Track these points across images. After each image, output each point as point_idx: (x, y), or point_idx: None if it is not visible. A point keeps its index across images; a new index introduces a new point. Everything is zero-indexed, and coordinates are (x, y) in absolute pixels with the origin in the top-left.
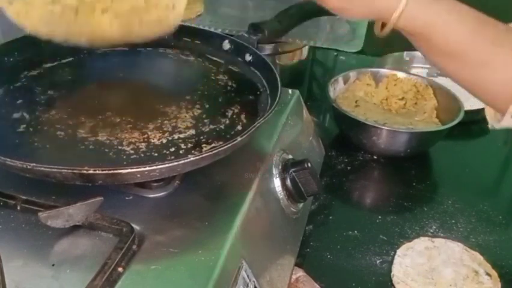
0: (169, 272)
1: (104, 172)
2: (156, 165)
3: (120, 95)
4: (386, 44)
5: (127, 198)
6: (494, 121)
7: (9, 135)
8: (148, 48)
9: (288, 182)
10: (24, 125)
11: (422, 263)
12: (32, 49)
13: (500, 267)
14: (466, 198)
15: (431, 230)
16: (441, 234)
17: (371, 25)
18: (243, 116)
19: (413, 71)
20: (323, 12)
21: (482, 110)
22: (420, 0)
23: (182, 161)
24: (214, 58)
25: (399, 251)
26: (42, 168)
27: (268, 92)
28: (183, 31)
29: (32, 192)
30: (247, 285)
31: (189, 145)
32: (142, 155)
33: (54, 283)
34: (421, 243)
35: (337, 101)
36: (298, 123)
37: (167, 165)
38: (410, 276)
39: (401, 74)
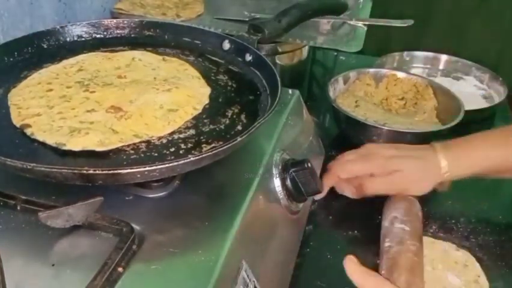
0: (169, 272)
1: (104, 172)
2: (156, 165)
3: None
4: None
5: (127, 198)
6: None
7: (9, 135)
8: (148, 48)
9: (288, 182)
10: None
11: None
12: (32, 49)
13: (500, 268)
14: (466, 198)
15: (431, 230)
16: (441, 235)
17: (371, 25)
18: (243, 116)
19: (413, 71)
20: (322, 12)
21: (482, 110)
22: (458, 156)
23: (182, 161)
24: (214, 58)
25: None
26: (42, 168)
27: (268, 92)
28: (183, 31)
29: (32, 192)
30: (247, 285)
31: (189, 145)
32: (142, 155)
33: (54, 283)
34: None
35: (337, 101)
36: (298, 123)
37: (167, 165)
38: None
39: (401, 74)
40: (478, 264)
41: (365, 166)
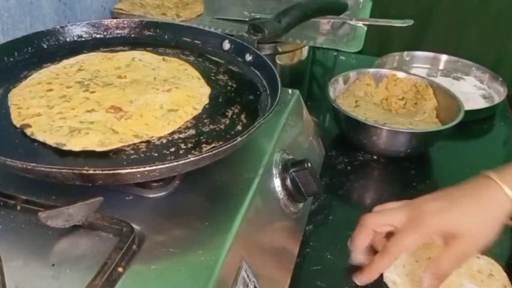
0: (169, 272)
1: (104, 172)
2: (156, 165)
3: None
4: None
5: (127, 198)
6: None
7: (9, 135)
8: (148, 48)
9: (288, 182)
10: None
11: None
12: (32, 49)
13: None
14: None
15: None
16: None
17: (371, 25)
18: (243, 116)
19: (413, 71)
20: (322, 12)
21: (482, 110)
22: None
23: (182, 161)
24: (214, 58)
25: None
26: (42, 168)
27: (268, 92)
28: (183, 31)
29: (32, 192)
30: (247, 285)
31: (189, 145)
32: (142, 155)
33: (54, 283)
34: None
35: (337, 101)
36: (298, 123)
37: (167, 165)
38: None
39: (401, 74)
40: (505, 274)
41: (418, 239)
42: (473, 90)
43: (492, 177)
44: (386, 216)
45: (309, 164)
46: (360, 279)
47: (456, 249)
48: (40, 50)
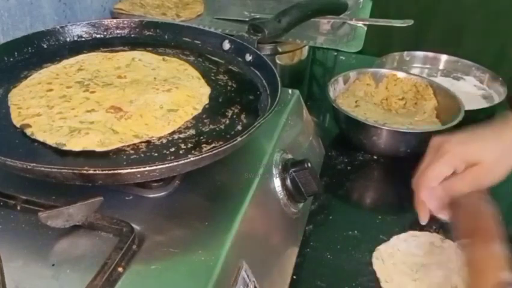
0: (169, 272)
1: (104, 172)
2: (156, 165)
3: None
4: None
5: (127, 198)
6: None
7: (9, 135)
8: (148, 48)
9: (288, 182)
10: None
11: (416, 254)
12: (32, 49)
13: None
14: None
15: (431, 230)
16: (442, 234)
17: (371, 25)
18: (243, 116)
19: (413, 71)
20: (322, 12)
21: (482, 110)
22: None
23: (182, 161)
24: (214, 58)
25: (402, 235)
26: (42, 168)
27: (268, 92)
28: (183, 31)
29: (32, 192)
30: (247, 285)
31: (189, 145)
32: (142, 155)
33: (54, 283)
34: (429, 236)
35: (337, 101)
36: (298, 123)
37: (167, 165)
38: (393, 259)
39: (401, 74)
40: None
41: (443, 167)
42: (473, 90)
43: (507, 117)
44: (428, 175)
45: (309, 164)
46: (421, 219)
47: (473, 172)
48: (40, 50)
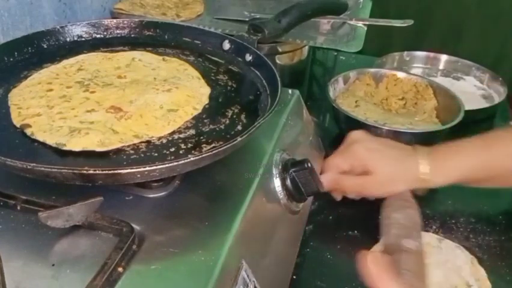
0: (169, 272)
1: (104, 172)
2: (156, 166)
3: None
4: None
5: (127, 198)
6: None
7: (9, 135)
8: (148, 48)
9: (288, 182)
10: None
11: None
12: (32, 49)
13: (499, 268)
14: (466, 198)
15: (431, 230)
16: (442, 234)
17: (371, 25)
18: (243, 116)
19: (413, 71)
20: (323, 12)
21: (482, 110)
22: (443, 164)
23: (182, 161)
24: (214, 58)
25: None
26: (42, 168)
27: (268, 92)
28: (183, 31)
29: (32, 192)
30: (247, 285)
31: (189, 145)
32: (142, 155)
33: (54, 283)
34: (426, 237)
35: (337, 101)
36: (298, 123)
37: (167, 165)
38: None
39: (401, 74)
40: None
41: (341, 161)
42: (473, 90)
43: (418, 153)
44: (328, 162)
45: (309, 164)
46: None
47: (363, 180)
48: (40, 50)
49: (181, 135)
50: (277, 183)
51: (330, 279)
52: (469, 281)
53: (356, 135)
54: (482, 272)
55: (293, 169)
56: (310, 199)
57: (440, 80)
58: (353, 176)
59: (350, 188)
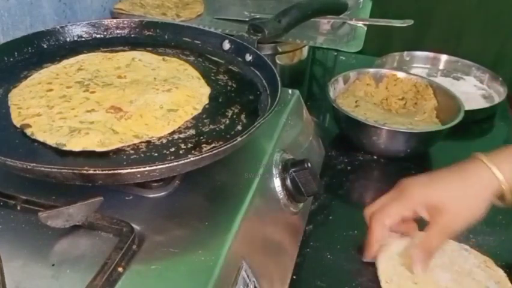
0: (169, 272)
1: (104, 172)
2: (156, 166)
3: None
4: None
5: (127, 198)
6: None
7: (9, 135)
8: (148, 48)
9: (288, 182)
10: None
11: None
12: (32, 49)
13: (500, 268)
14: None
15: None
16: None
17: (371, 25)
18: (243, 116)
19: (413, 71)
20: (322, 12)
21: (482, 110)
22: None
23: (182, 161)
24: (214, 58)
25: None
26: (42, 168)
27: (268, 92)
28: (183, 31)
29: (32, 192)
30: (247, 285)
31: (189, 145)
32: (142, 155)
33: (54, 283)
34: None
35: (337, 101)
36: (298, 123)
37: (167, 165)
38: (393, 261)
39: (401, 74)
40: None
41: (401, 207)
42: (473, 90)
43: (480, 158)
44: (386, 211)
45: (309, 164)
46: (365, 256)
47: (441, 224)
48: (40, 50)
49: (181, 135)
50: (277, 183)
51: (330, 279)
52: (488, 286)
53: (405, 181)
54: (500, 273)
55: (293, 169)
56: (310, 199)
57: (440, 80)
58: (430, 230)
59: (439, 240)
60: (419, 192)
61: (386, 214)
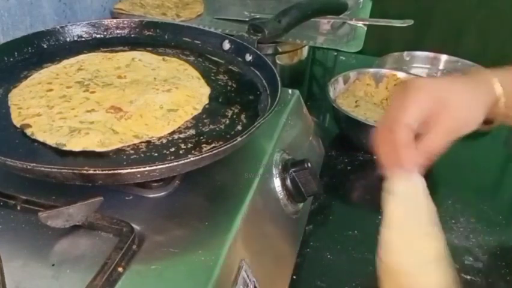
0: (169, 272)
1: (104, 172)
2: (156, 166)
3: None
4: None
5: (127, 198)
6: None
7: (9, 135)
8: (148, 48)
9: (288, 182)
10: None
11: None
12: (32, 49)
13: (500, 268)
14: (466, 198)
15: None
16: None
17: (371, 25)
18: (243, 116)
19: (413, 71)
20: (322, 12)
21: None
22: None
23: (182, 161)
24: (214, 58)
25: None
26: (42, 168)
27: (268, 92)
28: (183, 31)
29: (32, 192)
30: (247, 285)
31: (189, 145)
32: (142, 155)
33: (54, 283)
34: None
35: (337, 101)
36: (298, 123)
37: (167, 165)
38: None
39: (401, 74)
40: None
41: (414, 99)
42: None
43: (487, 72)
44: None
45: (309, 164)
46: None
47: (444, 123)
48: (40, 50)
49: (181, 135)
50: (277, 183)
51: (330, 279)
52: None
53: (403, 83)
54: None
55: (293, 169)
56: (310, 199)
57: None
58: (434, 130)
59: (443, 141)
60: (426, 84)
61: (403, 111)
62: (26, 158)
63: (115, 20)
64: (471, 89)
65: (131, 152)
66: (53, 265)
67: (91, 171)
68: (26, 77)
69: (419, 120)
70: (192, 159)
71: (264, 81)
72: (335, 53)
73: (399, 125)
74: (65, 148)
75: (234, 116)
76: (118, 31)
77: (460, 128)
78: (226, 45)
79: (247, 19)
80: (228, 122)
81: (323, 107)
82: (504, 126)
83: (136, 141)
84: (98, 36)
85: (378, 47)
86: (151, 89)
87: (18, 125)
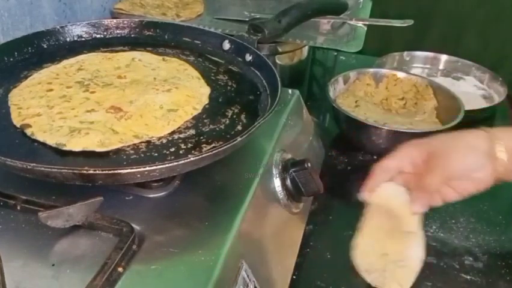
0: (169, 272)
1: (104, 172)
2: (156, 166)
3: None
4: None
5: (127, 198)
6: None
7: (9, 135)
8: (148, 48)
9: (288, 182)
10: None
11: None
12: (32, 49)
13: (499, 268)
14: (466, 198)
15: (431, 230)
16: (441, 234)
17: (371, 25)
18: (243, 116)
19: (413, 71)
20: (322, 12)
21: (482, 110)
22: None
23: (182, 161)
24: (214, 58)
25: None
26: (42, 168)
27: (268, 92)
28: (183, 31)
29: (32, 192)
30: (247, 285)
31: (189, 145)
32: (142, 155)
33: (54, 283)
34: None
35: (337, 101)
36: (298, 123)
37: (167, 165)
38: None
39: (401, 74)
40: None
41: (400, 154)
42: (473, 90)
43: (490, 134)
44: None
45: (309, 164)
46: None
47: (439, 165)
48: (40, 50)
49: (181, 135)
50: (277, 183)
51: (330, 279)
52: None
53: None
54: None
55: (293, 169)
56: (310, 199)
57: (440, 80)
58: (430, 170)
59: (438, 180)
60: (416, 142)
61: (386, 158)
62: (26, 158)
63: (115, 20)
64: (461, 141)
65: (131, 152)
66: (53, 265)
67: (91, 171)
68: (26, 77)
69: (408, 165)
70: (192, 159)
71: (264, 81)
72: (335, 53)
73: (377, 165)
74: (65, 148)
75: (234, 116)
76: (118, 31)
77: (456, 169)
78: (226, 45)
79: (247, 19)
80: (228, 122)
81: (323, 107)
82: (504, 125)
83: (136, 141)
84: (98, 36)
85: (378, 47)
86: (151, 89)
87: (18, 125)
